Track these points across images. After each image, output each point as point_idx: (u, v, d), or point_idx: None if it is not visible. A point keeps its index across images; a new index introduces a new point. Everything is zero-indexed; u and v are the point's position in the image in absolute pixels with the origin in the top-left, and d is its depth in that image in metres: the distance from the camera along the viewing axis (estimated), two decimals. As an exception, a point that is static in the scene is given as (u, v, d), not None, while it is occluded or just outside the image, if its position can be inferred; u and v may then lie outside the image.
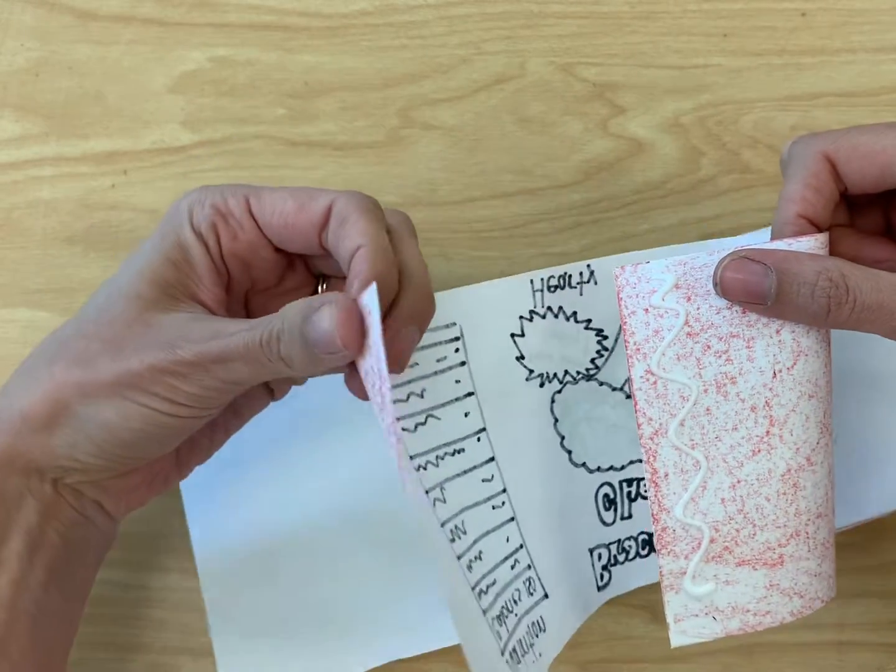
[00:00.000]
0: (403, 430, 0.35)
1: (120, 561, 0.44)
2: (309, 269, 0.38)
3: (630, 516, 0.40)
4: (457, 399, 0.37)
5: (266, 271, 0.37)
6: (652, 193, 0.46)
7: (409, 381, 0.36)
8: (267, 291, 0.38)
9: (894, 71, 0.46)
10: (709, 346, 0.33)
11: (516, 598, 0.37)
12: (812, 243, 0.33)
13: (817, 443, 0.34)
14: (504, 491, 0.38)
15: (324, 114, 0.47)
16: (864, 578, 0.44)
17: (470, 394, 0.37)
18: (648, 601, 0.44)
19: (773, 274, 0.32)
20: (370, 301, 0.30)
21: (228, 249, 0.36)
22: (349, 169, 0.46)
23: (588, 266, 0.40)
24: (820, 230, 0.34)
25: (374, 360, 0.29)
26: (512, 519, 0.38)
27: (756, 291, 0.32)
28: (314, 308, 0.31)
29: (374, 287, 0.30)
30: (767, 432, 0.33)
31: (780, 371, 0.33)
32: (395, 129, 0.46)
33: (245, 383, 0.34)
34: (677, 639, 0.35)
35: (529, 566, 0.38)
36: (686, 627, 0.35)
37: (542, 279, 0.40)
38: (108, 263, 0.46)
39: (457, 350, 0.37)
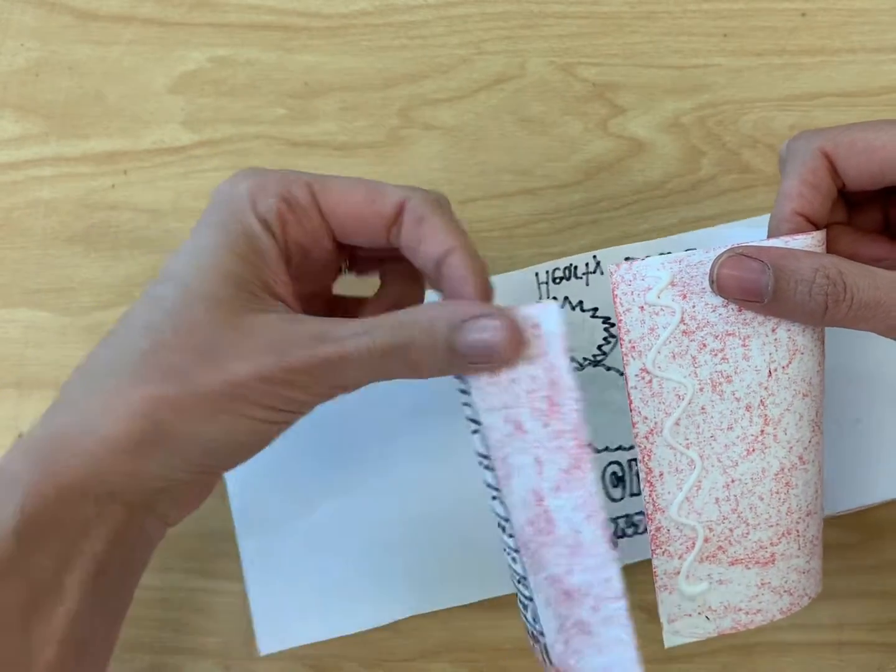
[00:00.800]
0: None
1: (120, 561, 0.44)
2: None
3: (639, 493, 0.40)
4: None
5: (322, 263, 0.35)
6: (652, 193, 0.46)
7: None
8: (315, 283, 0.37)
9: (894, 71, 0.46)
10: (704, 345, 0.33)
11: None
12: (809, 241, 0.33)
13: (809, 441, 0.34)
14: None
15: (324, 114, 0.47)
16: (863, 578, 0.44)
17: None
18: (647, 602, 0.44)
19: (770, 271, 0.31)
20: (548, 319, 0.30)
21: (294, 239, 0.34)
22: (349, 169, 0.46)
23: (594, 257, 0.41)
24: (817, 227, 0.34)
25: (540, 371, 0.30)
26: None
27: (753, 289, 0.32)
28: (463, 317, 0.31)
29: (554, 307, 0.30)
30: (762, 431, 0.33)
31: (776, 370, 0.33)
32: (395, 129, 0.46)
33: (351, 387, 0.32)
34: (671, 639, 0.35)
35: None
36: (679, 627, 0.35)
37: (546, 272, 0.40)
38: (108, 263, 0.46)
39: None
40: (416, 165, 0.46)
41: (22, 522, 0.30)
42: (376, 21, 0.47)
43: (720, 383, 0.32)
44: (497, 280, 0.39)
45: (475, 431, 0.33)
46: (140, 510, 0.33)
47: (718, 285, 0.32)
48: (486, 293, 0.34)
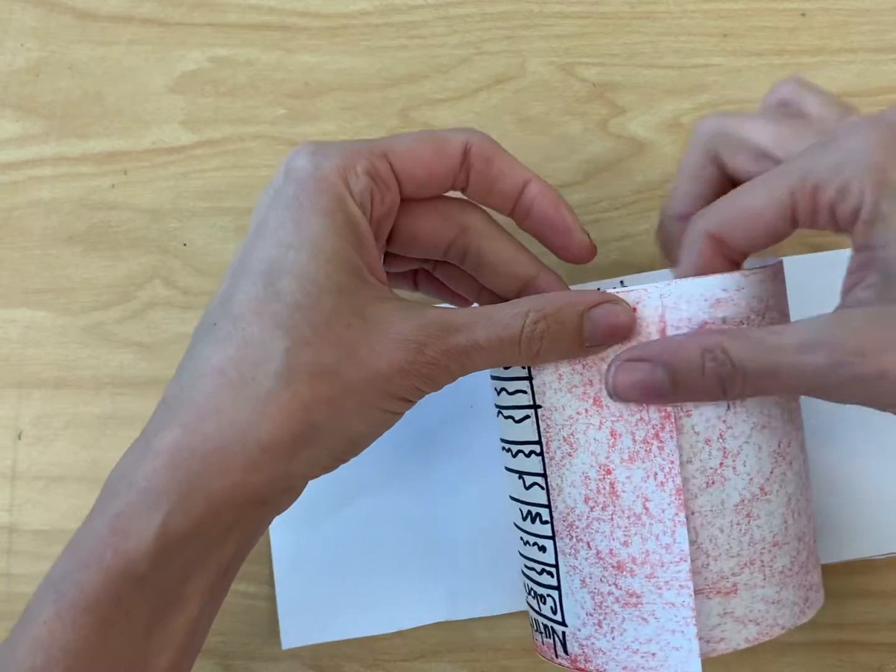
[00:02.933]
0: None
1: (120, 561, 0.44)
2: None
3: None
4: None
5: (380, 243, 0.35)
6: (652, 193, 0.46)
7: None
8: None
9: (894, 71, 0.46)
10: None
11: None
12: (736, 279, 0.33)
13: (771, 472, 0.34)
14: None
15: (324, 114, 0.47)
16: (863, 578, 0.44)
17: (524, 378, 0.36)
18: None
19: (660, 367, 0.31)
20: (648, 301, 0.32)
21: (376, 218, 0.33)
22: (349, 169, 0.46)
23: (622, 282, 0.41)
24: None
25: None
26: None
27: (653, 390, 0.31)
28: (589, 304, 0.32)
29: (655, 291, 0.32)
30: (721, 464, 0.33)
31: (735, 404, 0.33)
32: (395, 129, 0.46)
33: (465, 374, 0.33)
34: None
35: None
36: None
37: None
38: (108, 263, 0.46)
39: None
40: (416, 165, 0.46)
41: (162, 537, 0.30)
42: (376, 21, 0.47)
43: (681, 418, 0.32)
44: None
45: (525, 418, 0.34)
46: (273, 508, 0.33)
47: (619, 397, 0.32)
48: (574, 217, 0.36)
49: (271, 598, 0.44)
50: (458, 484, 0.43)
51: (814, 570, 0.36)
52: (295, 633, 0.43)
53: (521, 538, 0.36)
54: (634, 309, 0.32)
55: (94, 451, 0.45)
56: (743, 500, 0.33)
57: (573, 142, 0.46)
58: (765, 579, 0.34)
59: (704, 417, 0.32)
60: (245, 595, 0.44)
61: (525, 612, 0.39)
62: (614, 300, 0.32)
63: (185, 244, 0.46)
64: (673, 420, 0.32)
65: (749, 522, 0.33)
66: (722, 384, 0.31)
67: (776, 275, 0.35)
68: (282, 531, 0.43)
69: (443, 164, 0.34)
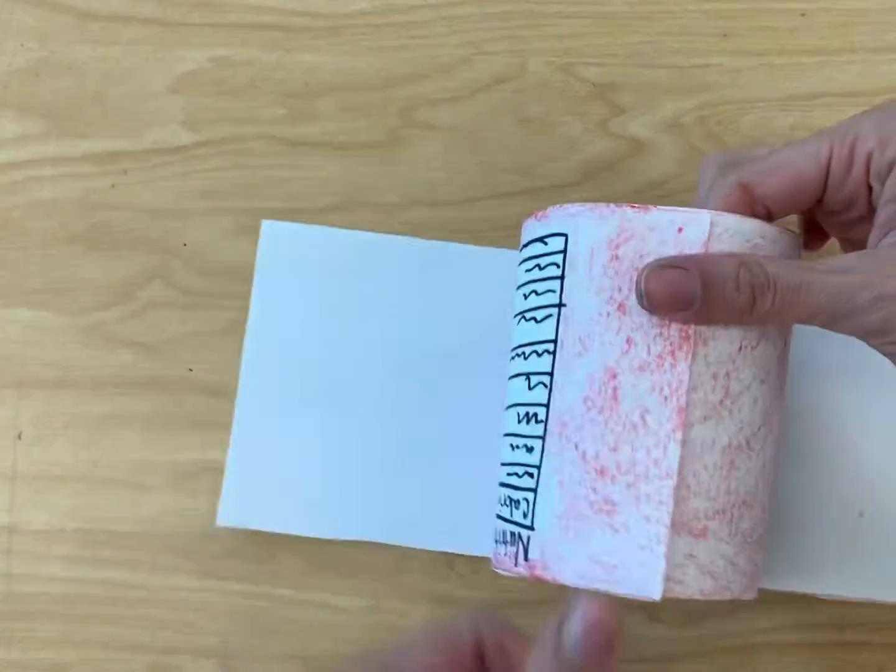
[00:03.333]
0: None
1: (120, 561, 0.44)
2: None
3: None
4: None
5: None
6: (652, 193, 0.46)
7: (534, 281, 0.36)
8: None
9: (894, 71, 0.46)
10: None
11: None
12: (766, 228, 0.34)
13: (758, 429, 0.34)
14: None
15: (324, 114, 0.47)
16: (863, 578, 0.44)
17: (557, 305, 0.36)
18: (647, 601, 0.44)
19: (695, 275, 0.32)
20: (696, 226, 0.33)
21: None
22: (349, 169, 0.46)
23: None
24: None
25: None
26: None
27: (683, 296, 0.32)
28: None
29: (706, 217, 0.33)
30: (721, 402, 0.33)
31: (746, 347, 0.34)
32: (395, 129, 0.46)
33: None
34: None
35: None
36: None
37: None
38: (108, 263, 0.46)
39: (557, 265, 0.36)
40: (416, 165, 0.46)
41: None
42: (376, 21, 0.47)
43: (696, 344, 0.33)
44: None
45: (548, 317, 0.35)
46: None
47: (648, 300, 0.32)
48: None
49: (272, 599, 0.44)
50: (446, 418, 0.44)
51: (761, 552, 0.36)
52: (234, 512, 0.44)
53: (511, 444, 0.36)
54: (680, 230, 0.33)
55: (94, 451, 0.45)
56: (731, 445, 0.33)
57: (573, 142, 0.46)
58: (729, 535, 0.34)
59: (717, 352, 0.33)
60: (245, 595, 0.44)
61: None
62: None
63: (185, 244, 0.46)
64: (692, 343, 0.33)
65: (730, 470, 0.34)
66: (753, 295, 0.32)
67: (801, 247, 0.36)
68: (248, 408, 0.44)
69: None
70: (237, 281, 0.45)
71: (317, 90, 0.47)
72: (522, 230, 0.37)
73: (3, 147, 0.47)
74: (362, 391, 0.44)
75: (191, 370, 0.45)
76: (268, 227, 0.45)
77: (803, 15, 0.46)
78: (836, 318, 0.32)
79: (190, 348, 0.45)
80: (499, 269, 0.43)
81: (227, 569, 0.44)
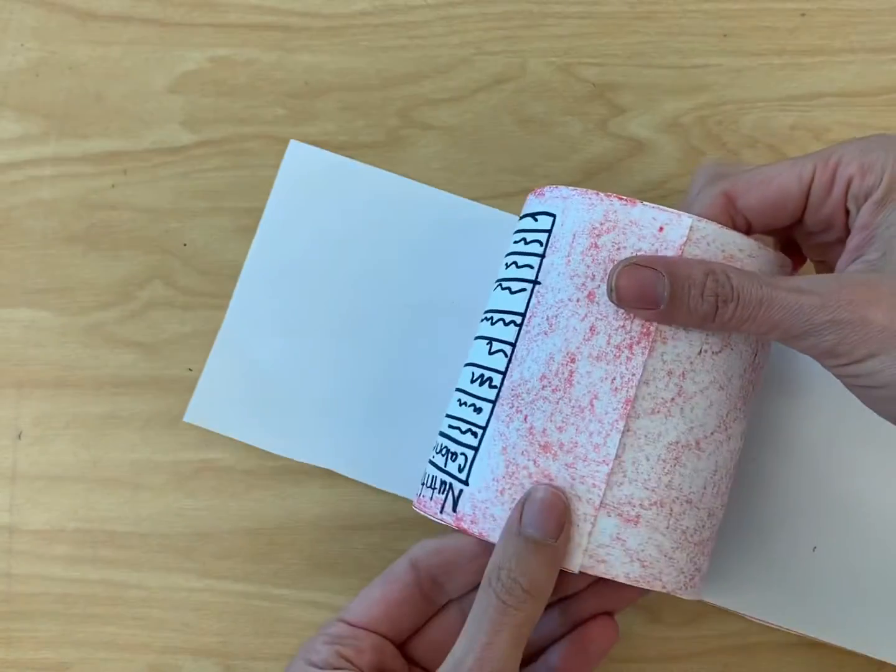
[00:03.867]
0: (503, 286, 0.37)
1: (120, 561, 0.44)
2: None
3: None
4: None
5: None
6: (652, 193, 0.46)
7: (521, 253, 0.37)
8: None
9: (894, 71, 0.46)
10: None
11: None
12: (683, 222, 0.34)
13: (711, 433, 0.35)
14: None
15: (324, 114, 0.47)
16: (863, 578, 0.44)
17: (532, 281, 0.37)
18: (648, 601, 0.44)
19: (664, 278, 0.33)
20: (676, 228, 0.34)
21: None
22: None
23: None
24: None
25: None
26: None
27: (650, 296, 0.33)
28: None
29: (687, 221, 0.34)
30: (672, 399, 0.34)
31: (706, 352, 0.34)
32: (395, 129, 0.46)
33: None
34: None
35: None
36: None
37: None
38: (108, 263, 0.46)
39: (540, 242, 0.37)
40: (416, 165, 0.46)
41: None
42: (376, 21, 0.47)
43: (655, 341, 0.34)
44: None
45: (521, 290, 0.36)
46: None
47: (618, 295, 0.33)
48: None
49: (272, 599, 0.44)
50: (426, 367, 0.44)
51: (707, 557, 0.36)
52: (202, 412, 0.44)
53: (460, 399, 0.37)
54: (661, 228, 0.34)
55: (94, 451, 0.45)
56: (678, 443, 0.34)
57: (573, 142, 0.46)
58: (667, 528, 0.34)
59: (676, 351, 0.34)
60: (245, 595, 0.44)
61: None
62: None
63: (185, 244, 0.46)
64: (651, 339, 0.34)
65: (675, 467, 0.34)
66: (716, 304, 0.33)
67: (783, 266, 0.36)
68: (240, 320, 0.45)
69: (394, 598, 0.38)
70: (237, 281, 0.45)
71: (317, 90, 0.47)
72: (524, 203, 0.38)
73: (3, 147, 0.47)
74: (351, 325, 0.45)
75: (191, 370, 0.45)
76: (294, 147, 0.46)
77: (803, 15, 0.46)
78: (792, 336, 0.33)
79: (190, 348, 0.45)
80: (505, 232, 0.44)
81: (227, 569, 0.44)
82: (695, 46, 0.46)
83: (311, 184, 0.46)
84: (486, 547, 0.35)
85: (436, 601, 0.39)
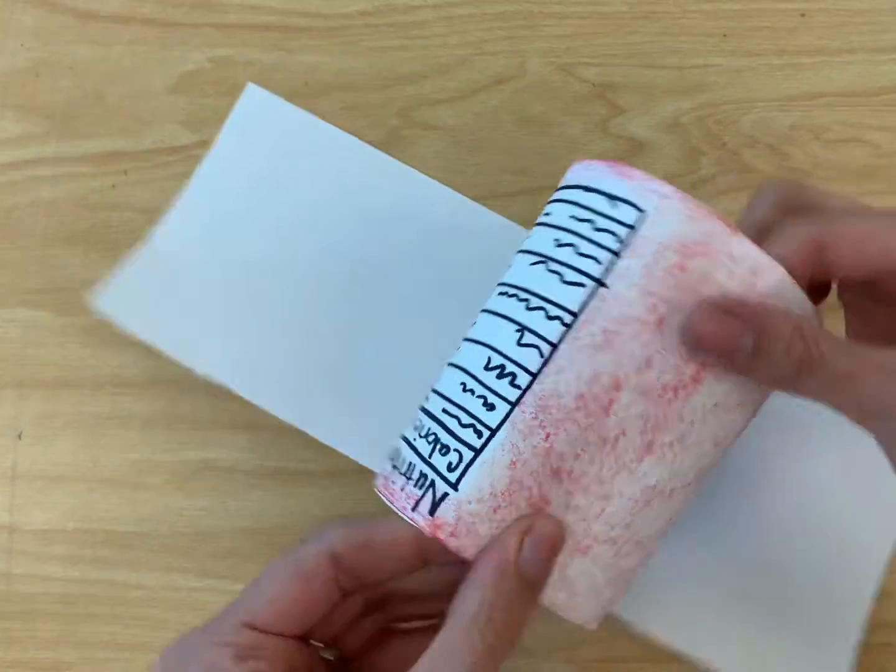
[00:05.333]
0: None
1: (120, 561, 0.44)
2: None
3: None
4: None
5: None
6: (652, 193, 0.46)
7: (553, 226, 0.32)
8: None
9: (894, 71, 0.46)
10: None
11: None
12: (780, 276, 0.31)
13: (687, 484, 0.32)
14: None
15: (324, 114, 0.47)
16: (863, 578, 0.44)
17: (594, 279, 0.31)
18: (648, 601, 0.44)
19: (749, 329, 0.29)
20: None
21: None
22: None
23: None
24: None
25: None
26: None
27: (731, 348, 0.29)
28: None
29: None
30: (670, 444, 0.31)
31: (720, 406, 0.31)
32: (395, 129, 0.46)
33: None
34: None
35: None
36: None
37: None
38: (109, 263, 0.46)
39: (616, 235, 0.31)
40: (416, 165, 0.46)
41: None
42: (376, 21, 0.47)
43: (698, 390, 0.31)
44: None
45: (579, 284, 0.30)
46: None
47: (691, 334, 0.29)
48: None
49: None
50: (360, 331, 0.43)
51: (623, 592, 0.34)
52: (114, 300, 0.43)
53: (464, 384, 0.32)
54: (753, 272, 0.30)
55: (94, 451, 0.45)
56: (654, 488, 0.31)
57: (573, 142, 0.46)
58: (608, 565, 0.32)
59: (702, 401, 0.31)
60: (245, 595, 0.44)
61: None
62: None
63: (185, 244, 0.46)
64: (697, 386, 0.30)
65: (642, 510, 0.31)
66: (800, 369, 0.29)
67: (810, 315, 0.32)
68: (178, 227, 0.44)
69: (311, 599, 0.33)
70: (237, 281, 0.45)
71: (317, 90, 0.47)
72: (580, 165, 0.33)
73: (3, 147, 0.47)
74: (284, 277, 0.43)
75: (191, 370, 0.45)
76: (252, 90, 0.44)
77: (803, 15, 0.46)
78: (869, 417, 0.29)
79: (190, 348, 0.45)
80: (474, 224, 0.43)
81: (227, 569, 0.44)
82: (694, 46, 0.46)
83: (264, 131, 0.44)
84: (430, 547, 0.32)
85: (347, 590, 0.34)
